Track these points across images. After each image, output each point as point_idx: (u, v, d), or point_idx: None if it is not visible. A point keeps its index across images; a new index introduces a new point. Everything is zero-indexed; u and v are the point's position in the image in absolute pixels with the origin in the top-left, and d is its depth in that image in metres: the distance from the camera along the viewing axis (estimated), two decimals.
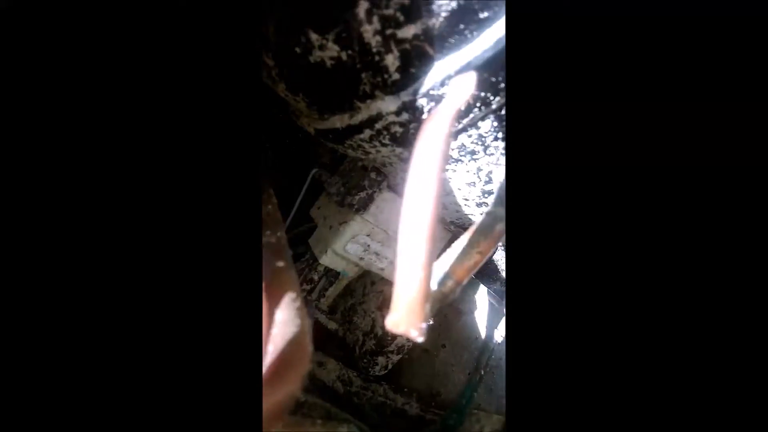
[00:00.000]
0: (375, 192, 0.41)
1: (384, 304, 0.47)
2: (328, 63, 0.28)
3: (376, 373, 0.50)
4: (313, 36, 0.27)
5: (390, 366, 0.50)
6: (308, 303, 0.47)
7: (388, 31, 0.25)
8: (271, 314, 0.25)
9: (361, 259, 0.45)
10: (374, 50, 0.26)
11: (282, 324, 0.24)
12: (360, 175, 0.41)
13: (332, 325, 0.49)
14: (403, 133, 0.31)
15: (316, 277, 0.46)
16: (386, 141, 0.32)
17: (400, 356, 0.50)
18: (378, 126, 0.31)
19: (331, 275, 0.48)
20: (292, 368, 0.22)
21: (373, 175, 0.40)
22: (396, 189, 0.43)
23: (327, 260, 0.45)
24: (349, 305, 0.51)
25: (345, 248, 0.43)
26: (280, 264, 0.28)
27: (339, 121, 0.33)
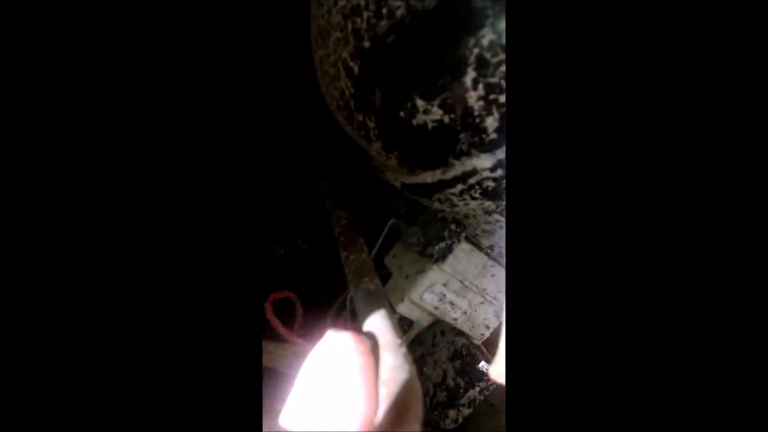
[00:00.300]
0: (454, 243, 0.42)
1: (455, 356, 0.48)
2: (430, 126, 0.31)
3: (446, 427, 0.49)
4: (420, 102, 0.30)
5: (460, 420, 0.49)
6: None
7: (491, 97, 0.28)
8: (377, 359, 0.26)
9: (436, 308, 0.46)
10: (476, 113, 0.29)
11: (393, 369, 0.25)
12: (440, 226, 0.43)
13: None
14: (495, 188, 0.33)
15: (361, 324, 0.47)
16: (477, 195, 0.34)
17: (471, 410, 0.49)
18: (471, 181, 0.33)
19: (404, 324, 0.48)
20: (409, 410, 0.23)
21: (453, 226, 0.42)
22: (474, 240, 0.45)
23: (403, 309, 0.46)
24: (418, 355, 0.51)
25: (422, 297, 0.44)
26: (381, 311, 0.29)
27: (430, 177, 0.35)
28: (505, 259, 0.45)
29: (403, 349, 0.26)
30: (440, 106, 0.29)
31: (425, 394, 0.49)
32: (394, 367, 0.25)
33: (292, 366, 0.52)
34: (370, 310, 0.28)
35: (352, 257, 0.34)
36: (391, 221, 0.48)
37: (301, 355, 0.53)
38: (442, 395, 0.46)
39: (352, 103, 0.35)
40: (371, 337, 0.27)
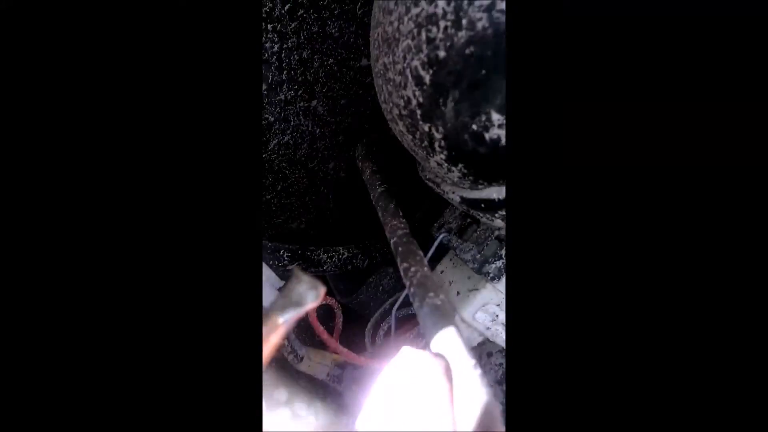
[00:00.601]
0: None
1: (504, 379, 0.46)
2: (503, 140, 0.30)
3: None
4: (495, 116, 0.29)
5: None
6: None
7: None
8: (450, 381, 0.25)
9: (488, 329, 0.44)
10: None
11: (470, 392, 0.24)
12: (496, 244, 0.42)
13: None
14: None
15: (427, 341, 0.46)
16: None
17: None
18: None
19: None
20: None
21: None
22: None
23: None
24: None
25: (474, 316, 0.43)
26: (451, 328, 0.28)
27: (496, 193, 0.34)
28: None
29: (479, 370, 0.25)
30: None
31: None
32: (470, 389, 0.24)
33: (332, 375, 0.51)
34: (438, 327, 0.27)
35: (413, 269, 0.33)
36: (442, 235, 0.47)
37: (342, 365, 0.53)
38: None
39: (418, 112, 0.34)
40: (442, 357, 0.26)
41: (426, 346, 0.47)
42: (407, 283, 0.34)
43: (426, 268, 0.33)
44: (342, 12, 0.68)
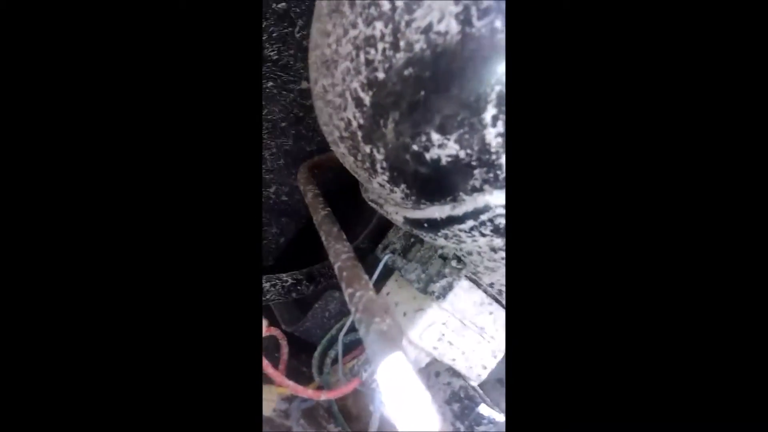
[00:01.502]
0: (455, 280, 0.41)
1: (453, 398, 0.45)
2: (444, 160, 0.30)
3: None
4: (435, 136, 0.29)
5: None
6: (377, 395, 0.45)
7: None
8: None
9: (435, 348, 0.44)
10: (493, 150, 0.28)
11: (417, 418, 0.23)
12: (440, 262, 0.42)
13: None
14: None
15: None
16: (487, 232, 0.33)
17: None
18: (483, 218, 0.32)
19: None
20: None
21: (454, 263, 0.41)
22: (473, 278, 0.44)
23: None
24: None
25: (421, 336, 0.43)
26: (398, 353, 0.27)
27: (438, 212, 0.34)
28: (504, 296, 0.44)
29: (428, 395, 0.24)
30: (457, 141, 0.29)
31: None
32: (421, 415, 0.23)
33: (278, 411, 0.49)
34: (385, 353, 0.26)
35: (358, 293, 0.32)
36: (387, 256, 0.47)
37: (289, 399, 0.50)
38: None
39: (359, 133, 0.34)
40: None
41: (373, 373, 0.46)
42: (353, 309, 0.33)
43: (371, 292, 0.33)
44: (280, 35, 0.68)
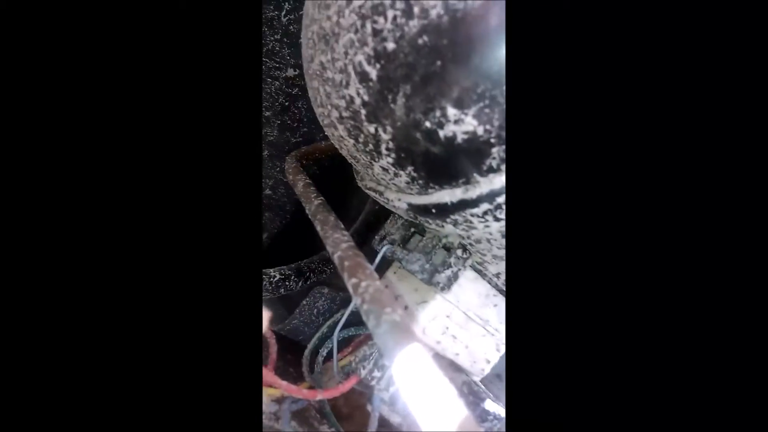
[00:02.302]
0: (460, 270, 0.39)
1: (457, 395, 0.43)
2: (460, 138, 0.28)
3: None
4: (452, 111, 0.27)
5: None
6: (375, 393, 0.43)
7: None
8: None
9: (438, 342, 0.42)
10: None
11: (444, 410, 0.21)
12: (443, 252, 0.40)
13: (395, 419, 0.45)
14: None
15: (388, 362, 0.43)
16: (502, 216, 0.31)
17: None
18: (499, 200, 0.30)
19: None
20: None
21: (459, 252, 0.39)
22: (478, 268, 0.42)
23: None
24: None
25: (424, 330, 0.40)
26: (414, 345, 0.25)
27: (449, 196, 0.32)
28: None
29: (453, 387, 0.22)
30: (475, 117, 0.27)
31: None
32: (447, 406, 0.21)
33: (268, 414, 0.46)
34: (401, 345, 0.24)
35: (364, 284, 0.30)
36: (385, 247, 0.44)
37: (279, 400, 0.47)
38: None
39: (363, 111, 0.32)
40: None
41: (388, 367, 0.43)
42: (358, 300, 0.30)
43: (378, 282, 0.30)
44: (266, 19, 0.64)
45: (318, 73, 0.35)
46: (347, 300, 0.70)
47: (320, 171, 0.76)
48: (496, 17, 0.24)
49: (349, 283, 0.32)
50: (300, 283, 0.62)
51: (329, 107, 0.36)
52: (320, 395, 0.44)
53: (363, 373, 0.43)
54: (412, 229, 0.44)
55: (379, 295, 0.29)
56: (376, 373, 0.43)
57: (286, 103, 0.72)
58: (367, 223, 0.71)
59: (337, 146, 0.41)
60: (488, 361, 0.44)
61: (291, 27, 0.65)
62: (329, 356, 0.58)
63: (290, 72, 0.69)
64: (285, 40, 0.66)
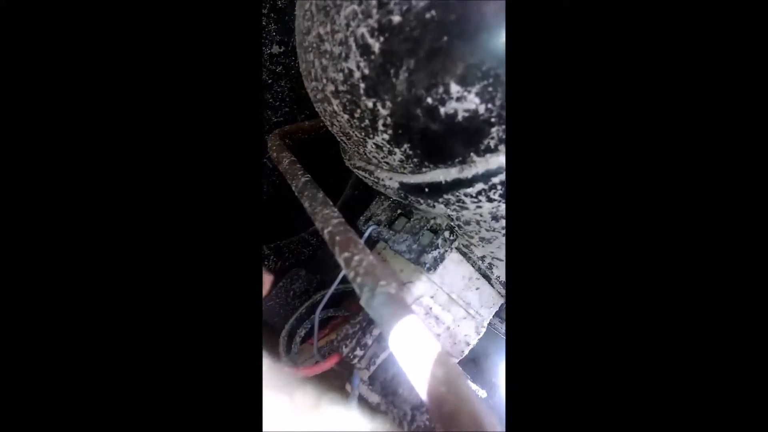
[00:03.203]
0: (446, 252, 0.40)
1: None
2: (461, 115, 0.28)
3: None
4: (455, 88, 0.27)
5: None
6: (355, 372, 0.43)
7: None
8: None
9: None
10: None
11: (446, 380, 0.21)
12: (431, 234, 0.40)
13: (373, 398, 0.45)
14: None
15: (369, 341, 0.43)
16: (496, 197, 0.32)
17: None
18: (494, 180, 0.30)
19: (384, 340, 0.44)
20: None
21: (446, 233, 0.40)
22: (463, 250, 0.42)
23: None
24: (390, 376, 0.47)
25: None
26: (410, 317, 0.25)
27: (443, 175, 0.32)
28: (493, 270, 0.43)
29: (452, 359, 0.22)
30: (478, 94, 0.27)
31: (401, 418, 0.44)
32: (449, 375, 0.21)
33: None
34: (397, 317, 0.24)
35: (357, 257, 0.30)
36: (371, 227, 0.44)
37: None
38: (422, 419, 0.42)
39: (361, 85, 0.31)
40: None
41: (370, 346, 0.43)
42: (351, 274, 0.30)
43: (371, 256, 0.30)
44: None
45: (315, 45, 0.35)
46: (324, 283, 0.70)
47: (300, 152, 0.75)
48: None
49: (341, 257, 0.32)
50: (278, 264, 0.61)
51: (324, 81, 0.35)
52: (300, 373, 0.43)
53: (345, 351, 0.43)
54: (399, 211, 0.45)
55: (373, 268, 0.29)
56: (358, 352, 0.43)
57: (269, 81, 0.71)
58: (344, 208, 0.71)
59: (327, 123, 0.41)
60: (468, 344, 0.45)
61: (279, 2, 0.64)
62: (306, 337, 0.57)
63: (275, 49, 0.67)
64: (272, 15, 0.64)
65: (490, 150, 0.29)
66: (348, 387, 0.44)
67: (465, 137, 0.29)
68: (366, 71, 0.30)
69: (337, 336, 0.45)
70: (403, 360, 0.23)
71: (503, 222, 0.35)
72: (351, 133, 0.37)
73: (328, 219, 0.36)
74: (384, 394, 0.46)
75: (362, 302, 0.28)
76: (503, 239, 0.37)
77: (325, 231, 0.35)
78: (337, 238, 0.33)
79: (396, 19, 0.27)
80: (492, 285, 0.45)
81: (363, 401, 0.46)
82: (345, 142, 0.41)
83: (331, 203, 0.39)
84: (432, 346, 0.23)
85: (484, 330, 0.46)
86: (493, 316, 0.53)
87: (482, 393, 0.44)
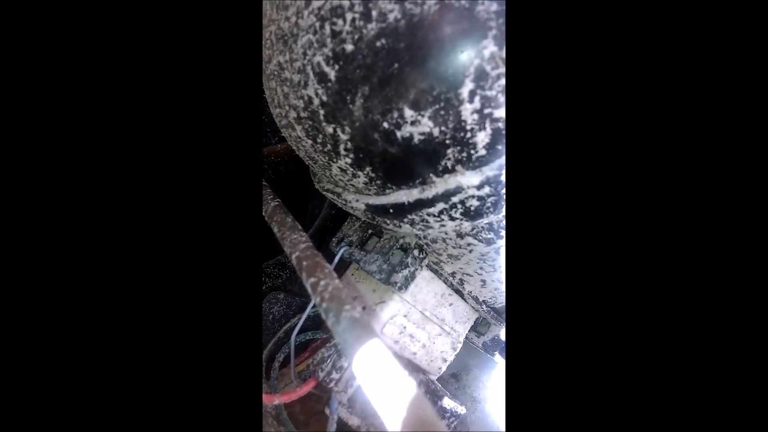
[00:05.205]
0: (417, 270, 0.40)
1: None
2: (417, 138, 0.29)
3: None
4: (408, 112, 0.28)
5: None
6: (332, 395, 0.43)
7: (487, 111, 0.27)
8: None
9: (396, 342, 0.42)
10: (468, 127, 0.28)
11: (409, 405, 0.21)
12: (400, 253, 0.41)
13: (354, 421, 0.45)
14: (478, 207, 0.31)
15: (345, 364, 0.42)
16: (457, 215, 0.32)
17: None
18: (454, 200, 0.31)
19: None
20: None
21: (416, 252, 0.40)
22: (434, 267, 0.43)
23: None
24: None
25: (382, 330, 0.41)
26: (374, 341, 0.25)
27: (405, 196, 0.33)
28: (464, 285, 0.44)
29: (414, 380, 0.22)
30: (431, 118, 0.28)
31: None
32: (411, 400, 0.21)
33: None
34: (361, 341, 0.24)
35: (323, 282, 0.30)
36: (343, 248, 0.44)
37: None
38: None
39: (321, 112, 0.32)
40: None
41: (346, 368, 0.43)
42: (317, 299, 0.30)
43: (337, 281, 0.31)
44: None
45: (276, 73, 0.35)
46: (303, 306, 0.69)
47: (275, 175, 0.75)
48: (451, 23, 0.25)
49: (308, 282, 0.32)
50: None
51: (287, 108, 0.36)
52: (277, 399, 0.43)
53: (321, 375, 0.43)
54: (370, 231, 0.45)
55: (338, 293, 0.29)
56: (334, 375, 0.43)
57: None
58: (323, 227, 0.71)
59: (294, 147, 0.41)
60: (445, 360, 0.45)
61: None
62: (286, 362, 0.57)
63: None
64: None
65: (447, 170, 0.30)
66: (327, 411, 0.44)
67: (423, 159, 0.30)
68: (324, 98, 0.31)
69: (312, 360, 0.44)
70: (366, 383, 0.23)
71: (468, 239, 0.36)
72: (316, 157, 0.37)
73: (296, 244, 0.36)
74: (363, 417, 0.46)
75: (329, 326, 0.28)
76: (471, 255, 0.38)
77: (293, 256, 0.35)
78: (305, 263, 0.33)
79: (349, 47, 0.28)
80: (465, 300, 0.45)
81: (343, 424, 0.45)
82: (312, 166, 0.42)
83: (300, 228, 0.39)
84: (394, 369, 0.23)
85: (460, 345, 0.46)
86: (469, 331, 0.54)
87: (461, 409, 0.44)
